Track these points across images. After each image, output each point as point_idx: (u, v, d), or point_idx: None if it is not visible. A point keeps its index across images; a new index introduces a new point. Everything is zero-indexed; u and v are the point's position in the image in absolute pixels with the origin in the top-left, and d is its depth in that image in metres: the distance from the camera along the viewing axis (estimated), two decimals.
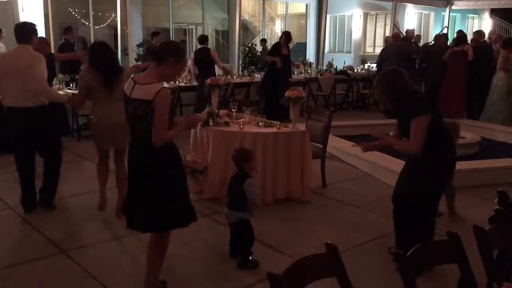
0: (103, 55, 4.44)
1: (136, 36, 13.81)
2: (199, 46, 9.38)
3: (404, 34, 11.91)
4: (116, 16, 11.71)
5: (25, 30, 4.60)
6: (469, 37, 11.77)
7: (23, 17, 9.64)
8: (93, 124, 4.66)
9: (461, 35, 9.85)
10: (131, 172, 3.16)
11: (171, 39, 14.09)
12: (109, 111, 4.38)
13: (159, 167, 3.03)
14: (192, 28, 17.10)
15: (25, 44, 4.55)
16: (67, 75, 8.38)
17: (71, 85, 8.25)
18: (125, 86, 3.12)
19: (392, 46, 10.13)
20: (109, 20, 14.14)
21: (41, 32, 9.94)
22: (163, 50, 3.06)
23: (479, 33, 10.68)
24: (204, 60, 9.02)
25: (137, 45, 12.55)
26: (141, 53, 12.22)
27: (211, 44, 16.58)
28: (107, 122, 4.43)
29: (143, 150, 3.04)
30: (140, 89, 2.95)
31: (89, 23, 12.89)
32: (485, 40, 10.27)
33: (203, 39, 9.39)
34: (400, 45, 10.04)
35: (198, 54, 9.20)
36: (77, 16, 13.90)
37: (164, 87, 2.97)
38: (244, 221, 3.76)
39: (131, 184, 3.17)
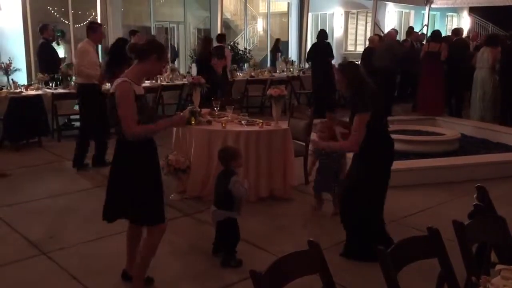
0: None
1: (117, 34, 13.62)
2: (216, 44, 9.68)
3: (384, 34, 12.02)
4: (96, 15, 11.57)
5: (88, 26, 6.33)
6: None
7: (0, 16, 9.47)
8: None
9: (437, 32, 9.98)
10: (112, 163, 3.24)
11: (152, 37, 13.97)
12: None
13: (124, 162, 3.10)
14: (173, 27, 16.98)
15: (87, 38, 6.19)
16: (46, 75, 8.26)
17: (50, 84, 8.14)
18: None
19: (384, 43, 10.26)
20: (89, 19, 13.93)
21: (19, 31, 9.83)
22: (146, 47, 3.13)
23: (452, 31, 10.82)
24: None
25: None
26: None
27: (193, 42, 16.57)
28: None
29: (116, 143, 3.15)
30: (114, 84, 3.08)
31: (68, 22, 12.69)
32: (460, 38, 10.37)
33: (221, 37, 9.89)
34: (390, 43, 10.15)
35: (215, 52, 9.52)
36: (56, 15, 13.69)
37: (125, 80, 3.00)
38: (231, 220, 3.75)
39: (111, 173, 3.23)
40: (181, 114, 3.85)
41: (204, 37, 9.22)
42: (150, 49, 3.10)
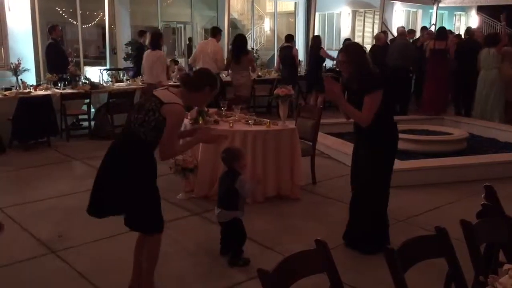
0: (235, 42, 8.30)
1: (125, 35, 13.71)
2: (285, 44, 10.28)
3: (395, 32, 11.97)
4: (104, 15, 11.63)
5: (213, 29, 8.52)
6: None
7: (9, 17, 9.54)
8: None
9: (442, 29, 9.91)
10: (107, 157, 3.08)
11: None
12: (234, 75, 8.11)
13: (128, 168, 2.98)
14: (180, 27, 17.06)
15: (213, 38, 8.31)
16: (55, 75, 8.31)
17: (59, 84, 8.19)
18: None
19: (398, 42, 10.19)
20: (97, 19, 14.05)
21: (28, 32, 9.90)
22: (199, 79, 3.13)
23: (466, 31, 10.75)
24: (286, 58, 10.00)
25: (125, 44, 12.45)
26: (129, 52, 12.15)
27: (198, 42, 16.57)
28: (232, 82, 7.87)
29: (124, 145, 3.04)
30: (167, 100, 2.95)
31: (76, 22, 12.77)
32: (472, 37, 10.27)
33: (289, 38, 10.42)
34: (405, 43, 10.08)
35: (282, 52, 10.27)
36: (64, 15, 13.79)
37: (181, 105, 2.98)
38: (237, 220, 3.75)
39: (103, 167, 3.07)
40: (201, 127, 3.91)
41: (315, 35, 10.76)
42: (203, 82, 3.10)
